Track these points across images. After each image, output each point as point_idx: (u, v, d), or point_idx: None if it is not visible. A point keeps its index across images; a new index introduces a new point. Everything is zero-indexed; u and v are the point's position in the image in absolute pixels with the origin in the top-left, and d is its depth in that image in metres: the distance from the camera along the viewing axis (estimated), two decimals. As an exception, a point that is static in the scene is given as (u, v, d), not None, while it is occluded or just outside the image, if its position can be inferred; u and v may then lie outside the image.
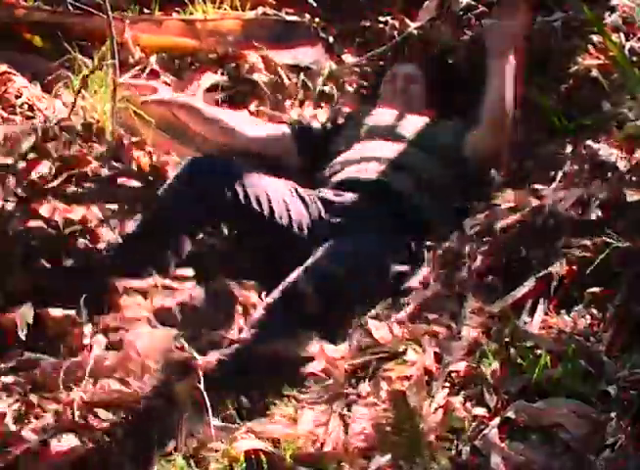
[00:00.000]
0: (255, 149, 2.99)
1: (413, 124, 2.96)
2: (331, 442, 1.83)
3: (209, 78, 3.38)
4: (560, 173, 2.49)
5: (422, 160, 2.82)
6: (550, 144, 2.71)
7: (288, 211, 2.61)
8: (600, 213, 2.20)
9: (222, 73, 3.40)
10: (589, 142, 2.48)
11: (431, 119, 3.01)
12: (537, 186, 2.48)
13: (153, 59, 3.41)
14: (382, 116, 3.04)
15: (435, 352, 2.01)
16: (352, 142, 2.94)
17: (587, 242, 2.13)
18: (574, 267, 2.08)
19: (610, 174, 2.33)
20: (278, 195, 2.62)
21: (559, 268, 2.09)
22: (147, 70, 3.31)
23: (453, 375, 1.92)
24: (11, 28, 3.40)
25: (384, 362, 2.04)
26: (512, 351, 1.90)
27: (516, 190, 2.55)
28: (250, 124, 3.09)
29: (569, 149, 2.59)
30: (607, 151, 2.41)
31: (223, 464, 1.79)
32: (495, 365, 1.88)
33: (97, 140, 2.89)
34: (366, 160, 2.81)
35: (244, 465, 1.78)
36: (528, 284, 2.10)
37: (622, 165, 2.32)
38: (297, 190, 2.70)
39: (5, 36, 3.35)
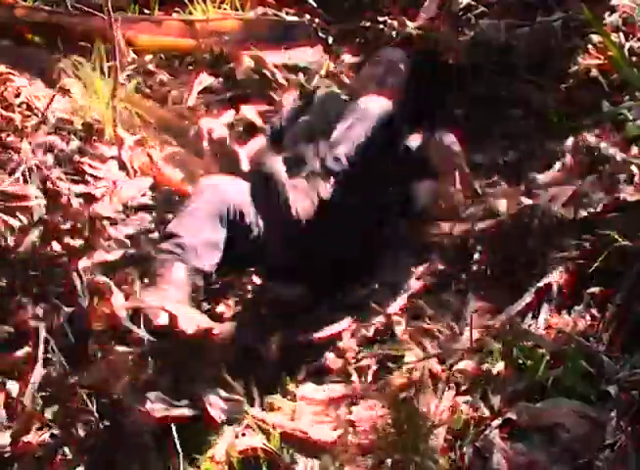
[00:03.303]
0: None
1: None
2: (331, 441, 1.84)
3: (204, 81, 3.38)
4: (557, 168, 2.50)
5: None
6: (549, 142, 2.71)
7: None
8: (597, 212, 2.21)
9: (217, 75, 3.41)
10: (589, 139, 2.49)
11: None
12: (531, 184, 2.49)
13: (149, 58, 3.43)
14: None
15: (438, 354, 2.02)
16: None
17: (587, 242, 2.14)
18: (574, 269, 2.09)
19: (609, 173, 2.33)
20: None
21: (558, 273, 2.10)
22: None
23: (457, 376, 1.93)
24: (11, 28, 3.41)
25: (386, 363, 2.05)
26: (515, 351, 1.90)
27: (509, 187, 2.57)
28: None
29: (567, 148, 2.58)
30: (606, 149, 2.42)
31: (220, 462, 1.79)
32: (500, 366, 1.88)
33: (97, 140, 2.89)
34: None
35: (241, 463, 1.78)
36: (531, 292, 2.10)
37: (622, 165, 2.33)
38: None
39: (5, 36, 3.36)
